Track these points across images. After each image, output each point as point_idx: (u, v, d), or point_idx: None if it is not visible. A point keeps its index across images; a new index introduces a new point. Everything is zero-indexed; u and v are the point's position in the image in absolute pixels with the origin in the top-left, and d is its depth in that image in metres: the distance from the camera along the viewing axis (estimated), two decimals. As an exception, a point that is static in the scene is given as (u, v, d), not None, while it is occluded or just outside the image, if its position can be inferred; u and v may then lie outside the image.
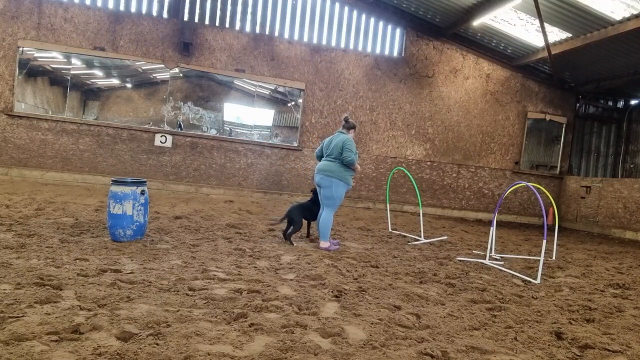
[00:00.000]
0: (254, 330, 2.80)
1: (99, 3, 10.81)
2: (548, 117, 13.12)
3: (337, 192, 5.65)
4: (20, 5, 10.34)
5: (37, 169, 10.46)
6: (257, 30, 11.70)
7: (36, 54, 10.86)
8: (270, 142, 12.24)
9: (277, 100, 13.23)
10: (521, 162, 13.09)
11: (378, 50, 12.32)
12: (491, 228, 6.24)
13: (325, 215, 5.70)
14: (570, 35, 10.28)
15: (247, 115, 13.67)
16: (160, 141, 11.04)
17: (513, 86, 12.88)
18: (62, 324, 2.57)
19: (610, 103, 13.80)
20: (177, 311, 2.97)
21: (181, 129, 12.39)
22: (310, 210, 6.09)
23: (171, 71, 11.46)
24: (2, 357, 2.14)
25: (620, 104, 13.77)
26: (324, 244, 5.68)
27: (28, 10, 10.38)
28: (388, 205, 8.96)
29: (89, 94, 13.27)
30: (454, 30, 11.88)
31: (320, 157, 5.93)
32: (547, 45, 10.48)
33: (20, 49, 10.44)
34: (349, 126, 5.85)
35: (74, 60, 11.42)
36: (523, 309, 3.84)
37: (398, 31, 12.38)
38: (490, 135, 12.87)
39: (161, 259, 4.35)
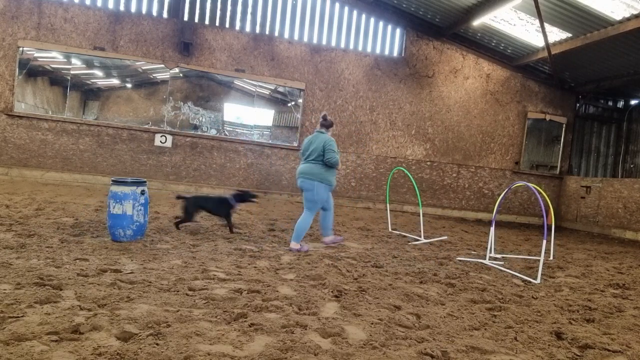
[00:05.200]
0: (254, 330, 2.80)
1: (99, 3, 10.82)
2: (548, 117, 13.12)
3: (319, 194, 5.49)
4: (20, 5, 10.35)
5: (37, 169, 10.46)
6: (257, 30, 11.70)
7: (36, 54, 10.85)
8: (270, 142, 12.23)
9: (277, 100, 13.22)
10: (521, 162, 13.09)
11: (378, 50, 12.32)
12: (491, 228, 6.24)
13: (305, 217, 5.48)
14: (570, 35, 10.28)
15: (247, 115, 13.65)
16: (160, 141, 11.04)
17: (513, 86, 12.88)
18: (62, 324, 2.57)
19: (610, 103, 13.80)
20: (177, 311, 2.97)
21: (195, 130, 12.34)
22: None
23: (171, 71, 11.46)
24: (2, 357, 2.14)
25: (620, 104, 13.77)
26: (294, 245, 5.45)
27: (28, 10, 10.38)
28: (388, 205, 8.96)
29: (89, 94, 13.26)
30: (454, 30, 11.87)
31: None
32: (547, 45, 10.48)
33: (20, 49, 10.45)
34: (327, 124, 5.64)
35: (74, 60, 11.41)
36: (523, 309, 3.83)
37: (398, 31, 12.38)
38: (490, 135, 12.87)
39: (161, 259, 4.35)
